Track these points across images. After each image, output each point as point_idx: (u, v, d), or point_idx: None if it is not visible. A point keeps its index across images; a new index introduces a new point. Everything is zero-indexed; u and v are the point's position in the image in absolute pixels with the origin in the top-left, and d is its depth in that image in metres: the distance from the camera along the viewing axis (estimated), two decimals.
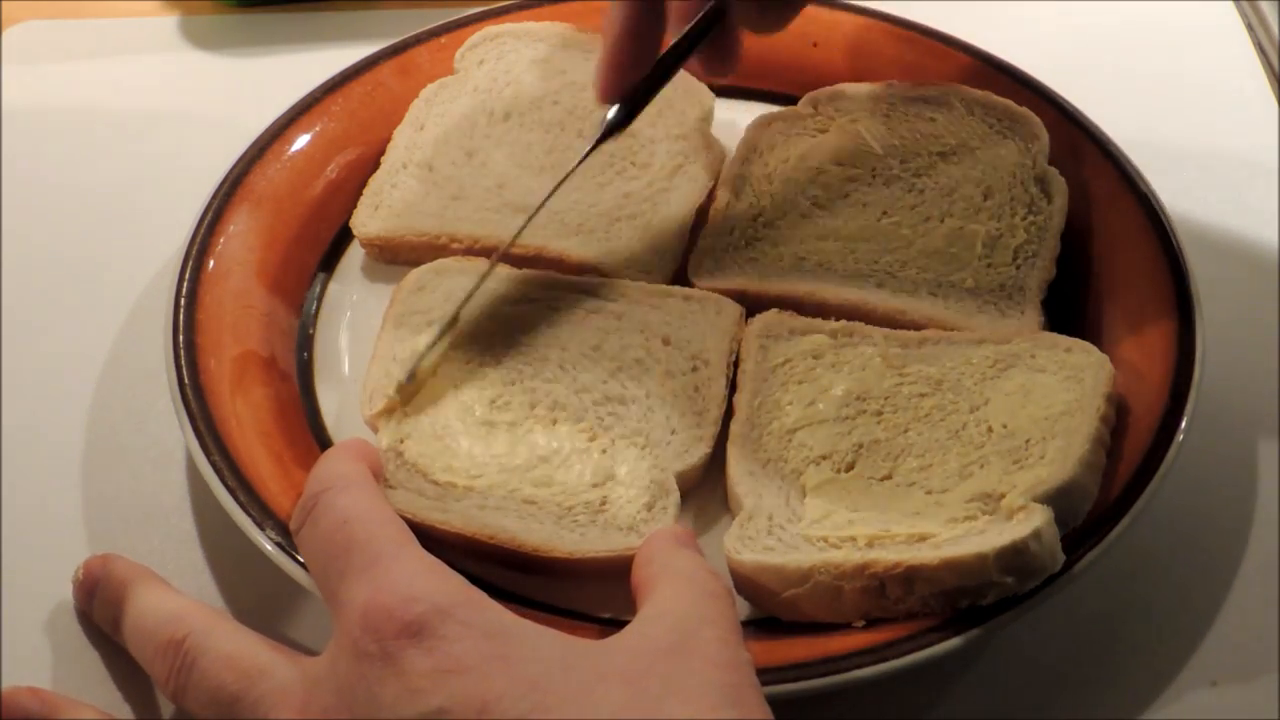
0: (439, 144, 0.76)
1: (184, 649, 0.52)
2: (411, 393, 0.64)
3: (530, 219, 0.66)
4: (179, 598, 0.56)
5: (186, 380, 0.63)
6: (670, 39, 0.66)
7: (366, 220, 0.73)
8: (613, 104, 0.65)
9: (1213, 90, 0.86)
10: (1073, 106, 0.76)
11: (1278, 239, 0.76)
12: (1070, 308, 0.70)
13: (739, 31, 0.67)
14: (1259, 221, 0.78)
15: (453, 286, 0.68)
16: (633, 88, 0.65)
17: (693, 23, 0.65)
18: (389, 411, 0.63)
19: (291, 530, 0.55)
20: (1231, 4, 0.92)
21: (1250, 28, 0.90)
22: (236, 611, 0.60)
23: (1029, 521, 0.55)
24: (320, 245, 0.73)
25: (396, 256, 0.72)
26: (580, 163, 0.66)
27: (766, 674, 0.50)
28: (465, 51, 0.79)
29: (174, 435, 0.64)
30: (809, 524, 0.58)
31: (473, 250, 0.71)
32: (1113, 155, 0.73)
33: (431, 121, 0.77)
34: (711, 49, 0.66)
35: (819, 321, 0.67)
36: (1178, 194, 0.71)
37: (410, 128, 0.76)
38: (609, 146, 0.71)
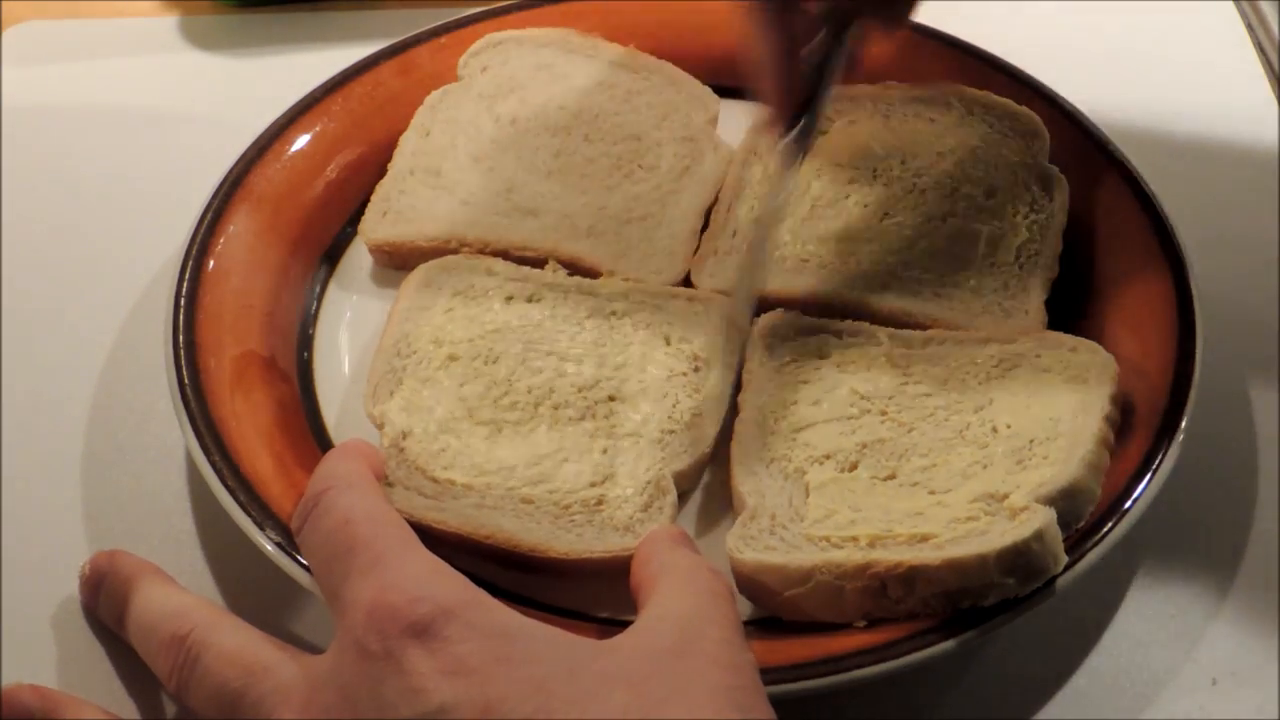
0: (445, 150, 0.76)
1: (187, 645, 0.52)
2: None
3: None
4: (184, 594, 0.56)
5: (186, 380, 0.63)
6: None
7: (375, 226, 0.73)
8: (791, 121, 0.66)
9: (1213, 90, 0.86)
10: (1072, 106, 0.76)
11: (1278, 239, 0.76)
12: (1071, 306, 0.70)
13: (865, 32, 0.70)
14: (1259, 221, 0.78)
15: (459, 283, 0.69)
16: (801, 103, 0.67)
17: (830, 30, 0.67)
18: (391, 407, 0.63)
19: (293, 529, 0.55)
20: (1231, 4, 0.92)
21: (1250, 28, 0.90)
22: (236, 611, 0.59)
23: (1031, 522, 0.55)
24: (320, 245, 0.73)
25: (406, 262, 0.72)
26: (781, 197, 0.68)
27: (768, 673, 0.50)
28: (468, 58, 0.80)
29: (174, 435, 0.64)
30: (811, 523, 0.58)
31: (482, 254, 0.71)
32: (1112, 155, 0.73)
33: (437, 128, 0.77)
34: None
35: (825, 321, 0.67)
36: (1178, 193, 0.71)
37: (416, 134, 0.76)
38: (617, 150, 0.74)
